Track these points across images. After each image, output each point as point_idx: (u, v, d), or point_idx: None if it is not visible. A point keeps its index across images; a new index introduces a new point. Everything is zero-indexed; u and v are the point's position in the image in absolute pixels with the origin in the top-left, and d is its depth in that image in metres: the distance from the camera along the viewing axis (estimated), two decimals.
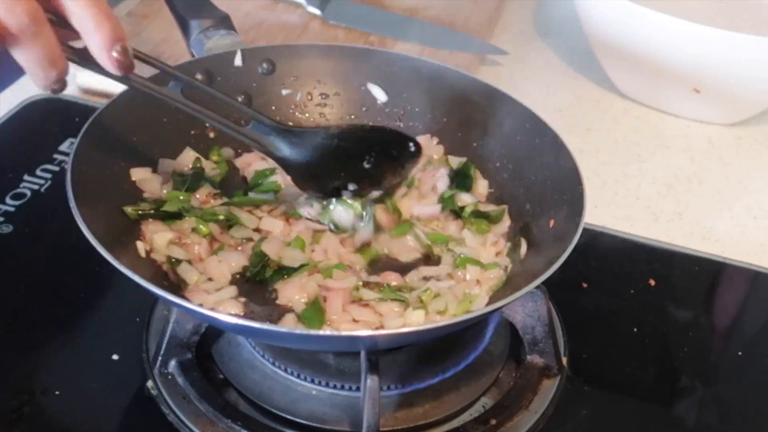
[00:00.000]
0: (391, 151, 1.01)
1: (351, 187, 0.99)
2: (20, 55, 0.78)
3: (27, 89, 1.34)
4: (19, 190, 1.15)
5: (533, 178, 1.05)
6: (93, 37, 0.80)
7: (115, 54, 0.80)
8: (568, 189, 0.97)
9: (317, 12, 1.54)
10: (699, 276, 1.17)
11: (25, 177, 1.17)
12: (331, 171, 1.00)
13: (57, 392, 0.93)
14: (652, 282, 1.13)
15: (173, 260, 0.93)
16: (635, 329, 1.07)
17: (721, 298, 1.17)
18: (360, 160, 1.00)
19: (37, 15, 0.76)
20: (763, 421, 1.00)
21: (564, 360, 1.00)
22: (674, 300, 1.13)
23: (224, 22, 1.11)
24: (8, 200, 1.14)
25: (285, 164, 0.98)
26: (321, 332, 0.85)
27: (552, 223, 0.98)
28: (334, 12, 1.54)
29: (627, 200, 1.29)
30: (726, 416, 1.00)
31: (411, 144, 1.01)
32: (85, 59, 0.82)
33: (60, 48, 0.80)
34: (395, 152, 1.01)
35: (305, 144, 0.98)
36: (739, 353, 1.07)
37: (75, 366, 0.96)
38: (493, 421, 0.92)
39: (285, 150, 0.97)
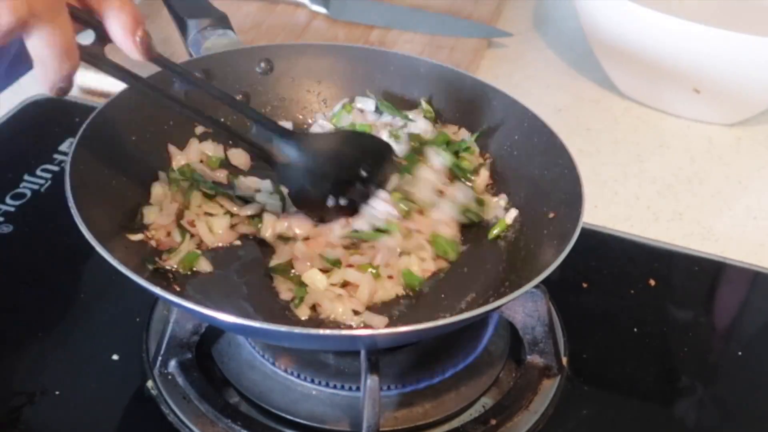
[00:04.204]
0: (381, 154, 1.01)
1: (342, 202, 0.99)
2: (38, 41, 0.75)
3: (27, 89, 1.34)
4: (19, 190, 1.15)
5: (532, 177, 1.05)
6: (117, 18, 0.79)
7: (138, 38, 0.79)
8: (568, 188, 0.97)
9: (322, 10, 1.55)
10: (699, 276, 1.17)
11: (25, 177, 1.17)
12: (329, 178, 0.98)
13: (57, 392, 0.92)
14: (652, 282, 1.13)
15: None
16: (635, 329, 1.07)
17: (721, 298, 1.17)
18: (358, 166, 0.99)
19: None
20: (763, 421, 1.00)
21: (564, 360, 1.00)
22: (674, 300, 1.13)
23: (222, 21, 1.11)
24: (8, 200, 1.13)
25: (285, 171, 0.97)
26: (321, 331, 0.85)
27: (552, 215, 0.98)
28: (339, 9, 1.55)
29: (627, 200, 1.29)
30: (726, 416, 1.00)
31: (387, 147, 1.02)
32: (94, 56, 0.82)
33: (76, 39, 0.78)
34: (382, 157, 1.01)
35: (306, 148, 0.97)
36: (739, 353, 1.07)
37: (75, 366, 0.96)
38: (493, 421, 0.92)
39: (286, 154, 0.96)
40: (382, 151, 1.02)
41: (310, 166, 0.97)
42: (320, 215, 0.99)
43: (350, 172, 0.99)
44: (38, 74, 0.79)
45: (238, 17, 1.48)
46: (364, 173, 0.99)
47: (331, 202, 0.98)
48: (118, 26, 0.79)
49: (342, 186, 0.98)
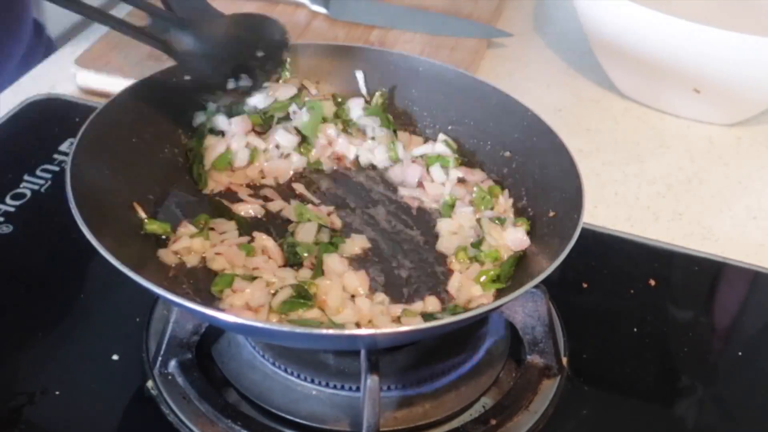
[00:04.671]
0: (274, 37, 1.06)
1: (244, 79, 1.03)
2: None
3: (27, 89, 1.34)
4: (19, 190, 1.15)
5: (532, 176, 1.05)
6: None
7: None
8: (567, 188, 0.97)
9: (322, 10, 1.55)
10: (699, 276, 1.17)
11: (25, 177, 1.17)
12: (228, 62, 1.02)
13: (57, 392, 0.93)
14: (652, 282, 1.13)
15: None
16: (635, 329, 1.07)
17: (721, 298, 1.17)
18: (254, 48, 1.03)
19: None
20: (763, 421, 1.00)
21: (564, 360, 1.00)
22: (674, 300, 1.13)
23: None
24: (8, 200, 1.14)
25: (183, 59, 1.00)
26: (321, 331, 0.85)
27: (552, 213, 0.98)
28: (339, 9, 1.55)
29: (627, 200, 1.29)
30: (726, 416, 1.00)
31: (284, 31, 1.06)
32: None
33: None
34: (276, 38, 1.06)
35: (203, 35, 0.99)
36: (739, 353, 1.07)
37: (75, 366, 0.96)
38: (493, 421, 0.92)
39: (184, 43, 0.99)
40: (275, 30, 1.05)
41: (208, 52, 0.99)
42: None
43: (247, 54, 1.03)
44: None
45: None
46: (260, 54, 1.03)
47: (231, 85, 1.01)
48: None
49: (240, 68, 1.03)
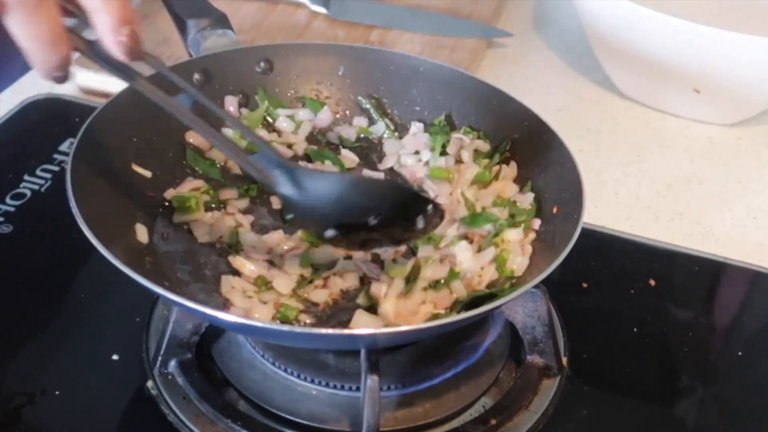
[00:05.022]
0: (407, 211, 0.92)
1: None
2: (20, 29, 0.72)
3: (27, 89, 1.34)
4: (19, 190, 1.15)
5: (532, 177, 1.05)
6: (100, 14, 0.74)
7: (121, 37, 0.74)
8: (568, 188, 0.97)
9: (322, 10, 1.55)
10: (699, 276, 1.17)
11: (25, 177, 1.18)
12: (331, 219, 0.91)
13: (57, 392, 0.93)
14: (652, 282, 1.13)
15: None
16: (635, 329, 1.07)
17: (721, 298, 1.17)
18: (366, 215, 0.91)
19: None
20: (763, 421, 1.00)
21: (564, 360, 1.00)
22: (674, 300, 1.13)
23: (221, 21, 1.11)
24: (8, 200, 1.14)
25: (285, 200, 0.92)
26: (321, 330, 0.86)
27: (555, 209, 0.99)
28: (339, 9, 1.55)
29: (627, 200, 1.29)
30: (726, 416, 1.00)
31: (430, 207, 0.92)
32: (93, 51, 0.78)
33: (64, 29, 0.74)
34: (410, 213, 0.92)
35: (309, 187, 0.91)
36: (739, 353, 1.07)
37: (75, 366, 0.96)
38: (493, 421, 0.93)
39: (287, 188, 0.90)
40: (406, 202, 0.92)
41: (310, 203, 0.91)
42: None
43: (356, 219, 0.91)
44: (30, 62, 0.75)
45: (238, 17, 1.48)
46: (373, 222, 0.91)
47: (330, 233, 0.91)
48: (100, 22, 0.75)
49: (346, 228, 0.92)
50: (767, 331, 1.12)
